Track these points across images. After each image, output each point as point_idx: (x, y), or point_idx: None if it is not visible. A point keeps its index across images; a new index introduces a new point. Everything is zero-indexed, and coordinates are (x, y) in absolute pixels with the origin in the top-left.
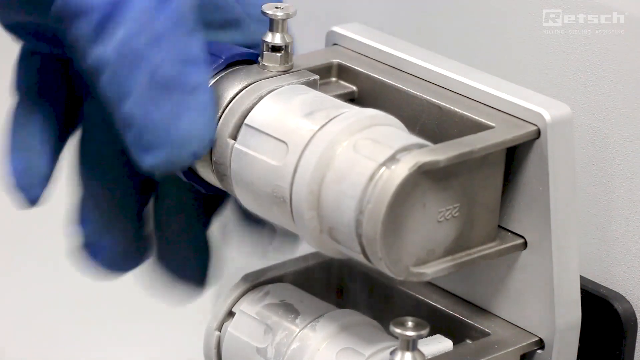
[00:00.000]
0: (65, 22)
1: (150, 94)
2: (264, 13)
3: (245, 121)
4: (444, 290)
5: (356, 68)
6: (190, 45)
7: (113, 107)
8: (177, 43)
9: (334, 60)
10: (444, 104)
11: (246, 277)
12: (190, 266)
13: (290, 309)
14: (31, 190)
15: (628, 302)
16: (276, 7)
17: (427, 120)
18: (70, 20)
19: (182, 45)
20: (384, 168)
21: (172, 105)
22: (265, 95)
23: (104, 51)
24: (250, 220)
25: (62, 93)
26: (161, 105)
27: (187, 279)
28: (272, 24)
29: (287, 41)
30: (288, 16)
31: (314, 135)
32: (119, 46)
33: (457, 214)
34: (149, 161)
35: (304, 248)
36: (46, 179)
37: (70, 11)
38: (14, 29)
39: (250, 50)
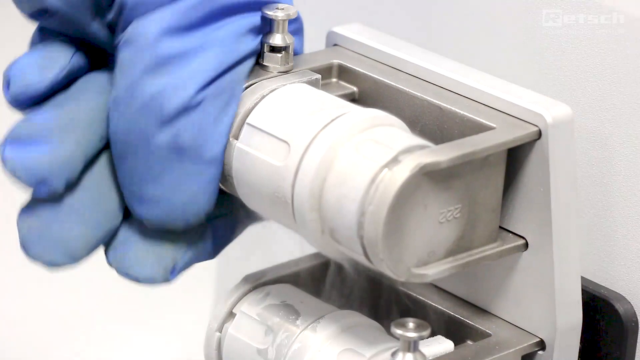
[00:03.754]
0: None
1: (161, 154)
2: (264, 14)
3: (247, 120)
4: (445, 291)
5: (356, 69)
6: (218, 118)
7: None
8: (206, 113)
9: (335, 60)
10: (444, 104)
11: (247, 278)
12: None
13: (291, 310)
14: (23, 89)
15: (629, 302)
16: (277, 8)
17: (427, 121)
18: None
19: (208, 116)
20: (385, 170)
21: (181, 171)
22: (267, 94)
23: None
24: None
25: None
26: (171, 168)
27: None
28: (272, 25)
29: (288, 42)
30: (289, 17)
31: (315, 135)
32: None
33: (458, 215)
34: (141, 212)
35: (305, 248)
36: (44, 82)
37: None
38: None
39: None
